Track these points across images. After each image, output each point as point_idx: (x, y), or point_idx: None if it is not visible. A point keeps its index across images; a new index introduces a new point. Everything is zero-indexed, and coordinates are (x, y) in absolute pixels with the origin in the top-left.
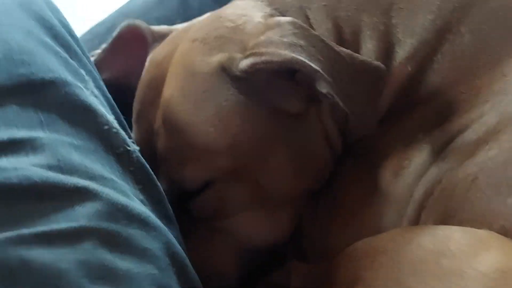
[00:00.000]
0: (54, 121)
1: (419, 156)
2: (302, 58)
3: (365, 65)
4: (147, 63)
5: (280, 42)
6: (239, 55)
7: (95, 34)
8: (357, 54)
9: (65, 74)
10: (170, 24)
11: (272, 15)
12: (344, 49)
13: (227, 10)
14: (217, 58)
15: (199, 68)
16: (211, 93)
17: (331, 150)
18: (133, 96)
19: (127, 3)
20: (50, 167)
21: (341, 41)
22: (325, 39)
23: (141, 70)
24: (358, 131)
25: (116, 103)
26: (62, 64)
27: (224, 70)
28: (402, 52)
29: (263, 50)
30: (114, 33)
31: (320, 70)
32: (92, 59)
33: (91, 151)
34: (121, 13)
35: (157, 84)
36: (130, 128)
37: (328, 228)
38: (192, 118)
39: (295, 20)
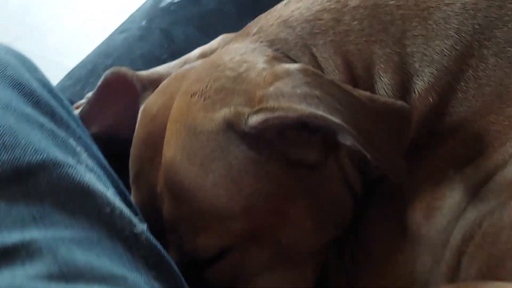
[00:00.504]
0: (49, 214)
1: (452, 196)
2: (320, 112)
3: (387, 107)
4: (140, 116)
5: (292, 94)
6: (246, 110)
7: (77, 79)
8: (377, 96)
9: (54, 152)
10: (155, 60)
11: (275, 58)
12: (363, 92)
13: (224, 57)
14: (222, 113)
15: (202, 126)
16: (218, 153)
17: (352, 194)
18: (124, 148)
19: (107, 40)
20: (51, 277)
21: (353, 78)
22: (341, 84)
23: (132, 121)
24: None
25: (107, 157)
26: (49, 139)
27: (231, 126)
28: (421, 82)
29: (274, 104)
30: (99, 82)
31: (342, 123)
32: (77, 111)
33: (95, 243)
34: (101, 53)
35: (154, 141)
36: (127, 186)
37: (356, 276)
38: (200, 181)
39: (306, 66)
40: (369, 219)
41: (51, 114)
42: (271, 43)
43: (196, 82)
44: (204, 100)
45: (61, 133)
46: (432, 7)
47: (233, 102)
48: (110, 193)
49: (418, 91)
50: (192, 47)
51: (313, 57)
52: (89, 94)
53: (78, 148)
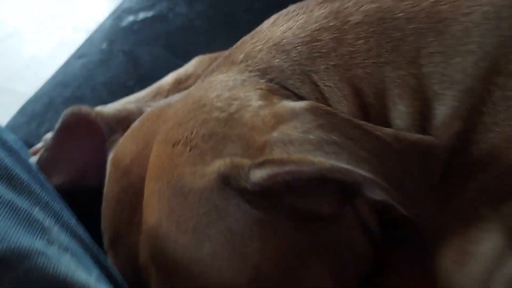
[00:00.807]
0: None
1: (488, 239)
2: (344, 165)
3: (416, 146)
4: (109, 168)
5: (304, 140)
6: (246, 162)
7: (31, 115)
8: (403, 133)
9: (17, 237)
10: (121, 87)
11: (270, 91)
12: (386, 130)
13: (209, 93)
14: (215, 167)
15: (191, 184)
16: (214, 216)
17: (371, 240)
18: (94, 199)
19: (63, 67)
20: None
21: (364, 108)
22: (360, 122)
23: (99, 168)
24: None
25: (74, 209)
26: (9, 218)
27: (227, 182)
28: (443, 108)
29: (283, 155)
30: (57, 125)
31: (372, 176)
32: (35, 158)
33: None
34: (58, 83)
35: (130, 200)
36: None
37: None
38: (194, 252)
39: (315, 104)
40: (391, 267)
41: (8, 178)
42: (263, 73)
43: (178, 126)
44: (190, 150)
45: (23, 203)
46: (448, 19)
47: (227, 151)
48: (93, 280)
49: (440, 118)
50: (161, 69)
51: (315, 86)
52: (48, 136)
53: (47, 221)
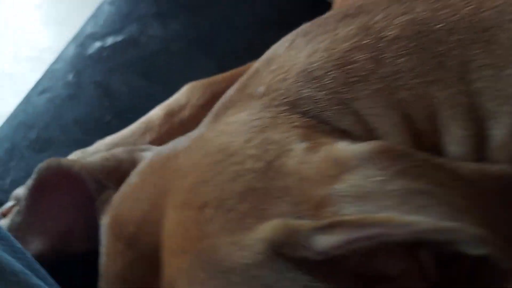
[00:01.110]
0: None
1: None
2: (447, 223)
3: (500, 181)
4: (107, 235)
5: (383, 194)
6: (303, 224)
7: None
8: (485, 167)
9: None
10: (96, 124)
11: (309, 128)
12: (471, 166)
13: (235, 138)
14: (260, 233)
15: (231, 259)
16: None
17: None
18: (82, 268)
19: (23, 105)
20: None
21: (417, 137)
22: (441, 161)
23: (86, 229)
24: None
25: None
26: None
27: (280, 252)
28: (499, 127)
29: (358, 216)
30: (30, 182)
31: (483, 232)
32: (4, 222)
33: None
34: (20, 123)
35: (142, 278)
36: None
37: None
38: None
39: (385, 144)
40: None
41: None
42: (293, 106)
43: (202, 184)
44: (224, 213)
45: None
46: (493, 27)
47: (273, 210)
48: None
49: (497, 139)
50: (139, 99)
51: (358, 116)
52: (18, 192)
53: None
